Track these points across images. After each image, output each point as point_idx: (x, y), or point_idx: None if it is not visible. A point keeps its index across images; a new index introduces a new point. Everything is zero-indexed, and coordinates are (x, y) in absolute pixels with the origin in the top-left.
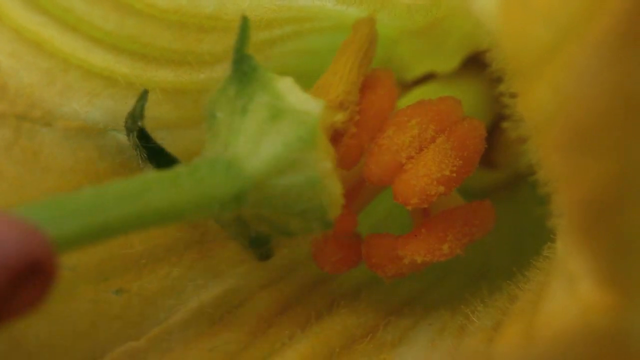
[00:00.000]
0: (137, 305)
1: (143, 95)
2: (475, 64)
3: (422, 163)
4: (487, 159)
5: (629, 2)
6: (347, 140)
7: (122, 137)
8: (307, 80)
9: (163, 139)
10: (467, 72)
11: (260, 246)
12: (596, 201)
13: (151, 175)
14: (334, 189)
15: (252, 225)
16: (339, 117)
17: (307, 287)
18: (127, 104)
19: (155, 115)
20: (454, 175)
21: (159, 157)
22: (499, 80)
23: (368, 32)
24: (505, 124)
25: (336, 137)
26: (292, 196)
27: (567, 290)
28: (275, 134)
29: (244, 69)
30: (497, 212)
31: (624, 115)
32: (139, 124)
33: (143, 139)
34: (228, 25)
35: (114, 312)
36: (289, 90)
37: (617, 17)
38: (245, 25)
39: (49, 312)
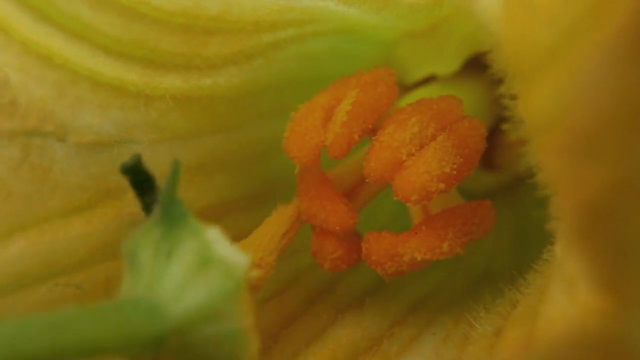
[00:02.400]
0: None
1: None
2: (476, 65)
3: (423, 160)
4: (488, 161)
5: (633, 5)
6: (337, 129)
7: (136, 147)
8: (307, 87)
9: (173, 149)
10: (467, 73)
11: None
12: (596, 205)
13: (77, 309)
14: (252, 345)
15: None
16: (256, 273)
17: (311, 297)
18: (139, 113)
19: (165, 125)
20: (454, 172)
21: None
22: (499, 81)
23: (291, 215)
24: (505, 126)
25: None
26: (211, 346)
27: (566, 294)
28: (201, 282)
29: (172, 213)
30: (498, 214)
31: (628, 121)
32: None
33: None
34: (233, 27)
35: None
36: (216, 239)
37: (622, 21)
38: (176, 169)
39: None
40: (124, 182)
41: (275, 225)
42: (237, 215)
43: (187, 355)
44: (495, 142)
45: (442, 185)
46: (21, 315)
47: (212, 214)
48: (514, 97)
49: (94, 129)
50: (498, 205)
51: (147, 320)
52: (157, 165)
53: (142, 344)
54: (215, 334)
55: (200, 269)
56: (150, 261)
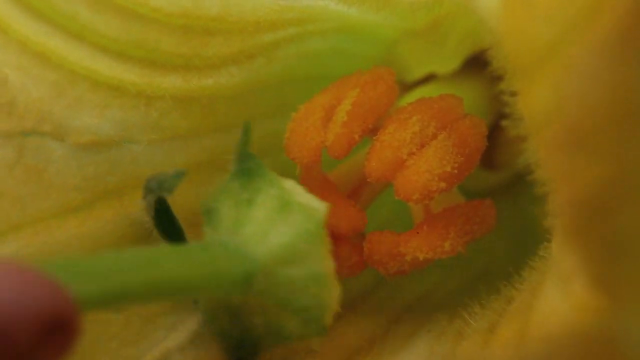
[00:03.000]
0: (136, 324)
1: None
2: (476, 63)
3: (424, 159)
4: (488, 159)
5: (630, 2)
6: (337, 129)
7: (135, 148)
8: (307, 86)
9: (173, 148)
10: (467, 72)
11: (243, 353)
12: (591, 202)
13: (167, 247)
14: (335, 289)
15: (245, 321)
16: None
17: None
18: (139, 113)
19: (165, 124)
20: (455, 171)
21: (169, 228)
22: (499, 78)
23: None
24: (505, 123)
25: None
26: (297, 288)
27: (560, 290)
28: (284, 224)
29: (249, 165)
30: (499, 212)
31: (622, 117)
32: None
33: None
34: (233, 27)
35: (113, 331)
36: (294, 188)
37: (618, 17)
38: (247, 127)
39: None
40: (122, 183)
41: None
42: None
43: (274, 297)
44: (496, 140)
45: (443, 184)
46: (114, 252)
47: None
48: (514, 94)
49: (93, 129)
50: (499, 204)
51: (235, 261)
52: (155, 166)
53: (230, 283)
54: (301, 276)
55: (282, 213)
56: (231, 211)
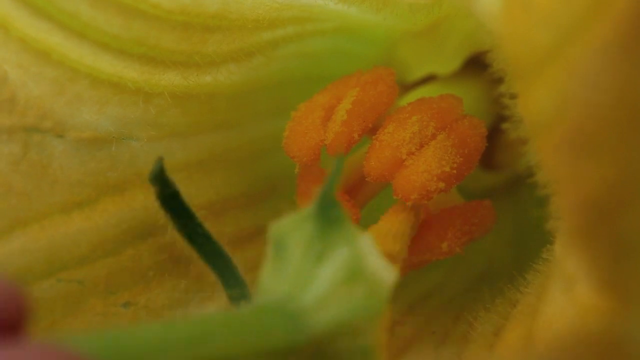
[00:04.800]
0: (144, 318)
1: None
2: (476, 64)
3: (423, 159)
4: (488, 161)
5: (633, 6)
6: (337, 128)
7: (135, 144)
8: (307, 86)
9: (172, 146)
10: (467, 72)
11: None
12: (595, 204)
13: (216, 316)
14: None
15: None
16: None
17: None
18: (138, 110)
19: (164, 121)
20: (454, 172)
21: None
22: (499, 81)
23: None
24: (505, 125)
25: None
26: (342, 357)
27: (565, 293)
28: (346, 295)
29: (331, 214)
30: (498, 214)
31: (626, 119)
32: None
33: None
34: (232, 25)
35: (121, 325)
36: (369, 250)
37: (620, 20)
38: (339, 165)
39: (58, 327)
40: (123, 179)
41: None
42: (237, 213)
43: None
44: (495, 141)
45: (442, 185)
46: (158, 323)
47: (212, 211)
48: (513, 96)
49: (93, 126)
50: (498, 205)
51: (287, 329)
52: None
53: (278, 352)
54: (348, 348)
55: (348, 281)
56: (299, 260)
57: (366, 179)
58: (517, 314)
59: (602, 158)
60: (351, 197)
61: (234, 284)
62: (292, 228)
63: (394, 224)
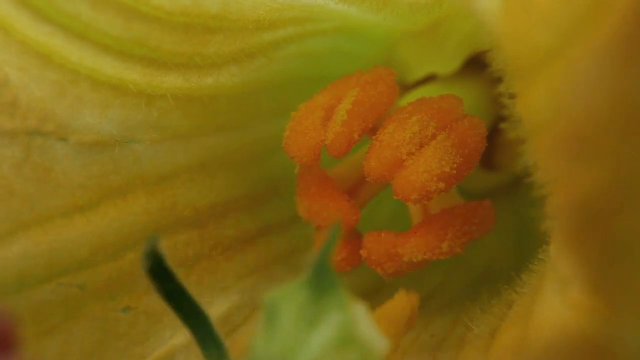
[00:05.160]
0: (143, 323)
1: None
2: (476, 64)
3: (423, 159)
4: (488, 161)
5: (632, 7)
6: (337, 128)
7: (137, 147)
8: (308, 86)
9: (174, 148)
10: (467, 72)
11: None
12: (589, 206)
13: None
14: None
15: None
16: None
17: None
18: (140, 113)
19: (166, 124)
20: (454, 172)
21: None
22: (499, 80)
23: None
24: (503, 125)
25: None
26: None
27: (558, 294)
28: None
29: (324, 279)
30: (498, 214)
31: (621, 122)
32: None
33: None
34: (233, 25)
35: (120, 330)
36: (362, 318)
37: (620, 21)
38: (335, 232)
39: (58, 331)
40: (125, 182)
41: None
42: (238, 214)
43: None
44: (495, 141)
45: (442, 185)
46: None
47: (213, 213)
48: (512, 96)
49: (95, 129)
50: (498, 206)
51: None
52: (158, 165)
53: None
54: None
55: (341, 348)
56: (291, 325)
57: (366, 179)
58: (513, 315)
59: (597, 159)
60: (351, 198)
61: (212, 345)
62: (286, 295)
63: (394, 309)
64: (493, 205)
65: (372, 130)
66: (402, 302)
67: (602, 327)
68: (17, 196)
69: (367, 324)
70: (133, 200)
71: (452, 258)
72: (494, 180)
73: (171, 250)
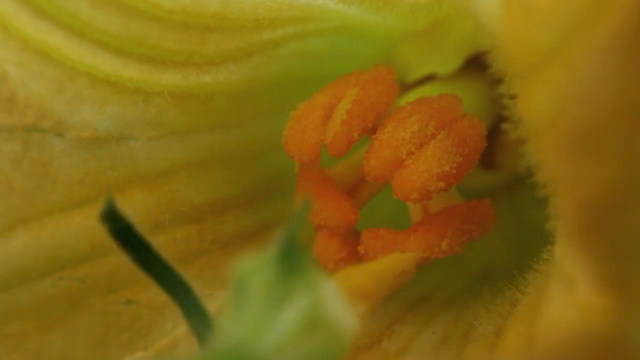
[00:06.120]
0: (145, 316)
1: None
2: (476, 64)
3: (422, 159)
4: (488, 160)
5: (633, 6)
6: (336, 127)
7: (135, 144)
8: (307, 85)
9: (172, 145)
10: (467, 72)
11: None
12: (595, 205)
13: None
14: None
15: None
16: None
17: None
18: (137, 109)
19: (164, 121)
20: (454, 171)
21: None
22: (499, 81)
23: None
24: (505, 125)
25: None
26: None
27: (565, 293)
28: (306, 342)
29: (293, 257)
30: (498, 213)
31: (625, 120)
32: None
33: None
34: (232, 24)
35: (123, 323)
36: (332, 296)
37: (620, 20)
38: (306, 208)
39: (61, 325)
40: (123, 178)
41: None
42: (237, 212)
43: None
44: (495, 141)
45: (441, 184)
46: None
47: (211, 211)
48: (513, 97)
49: (93, 125)
50: (498, 205)
51: None
52: (156, 162)
53: None
54: None
55: (309, 328)
56: (260, 303)
57: (366, 179)
58: (517, 314)
59: (602, 158)
60: (350, 197)
61: (195, 313)
62: (254, 270)
63: (381, 265)
64: (493, 204)
65: (372, 130)
66: (392, 260)
67: (610, 325)
68: (15, 191)
69: (336, 303)
70: (131, 196)
71: (452, 257)
72: (493, 180)
73: (170, 246)
